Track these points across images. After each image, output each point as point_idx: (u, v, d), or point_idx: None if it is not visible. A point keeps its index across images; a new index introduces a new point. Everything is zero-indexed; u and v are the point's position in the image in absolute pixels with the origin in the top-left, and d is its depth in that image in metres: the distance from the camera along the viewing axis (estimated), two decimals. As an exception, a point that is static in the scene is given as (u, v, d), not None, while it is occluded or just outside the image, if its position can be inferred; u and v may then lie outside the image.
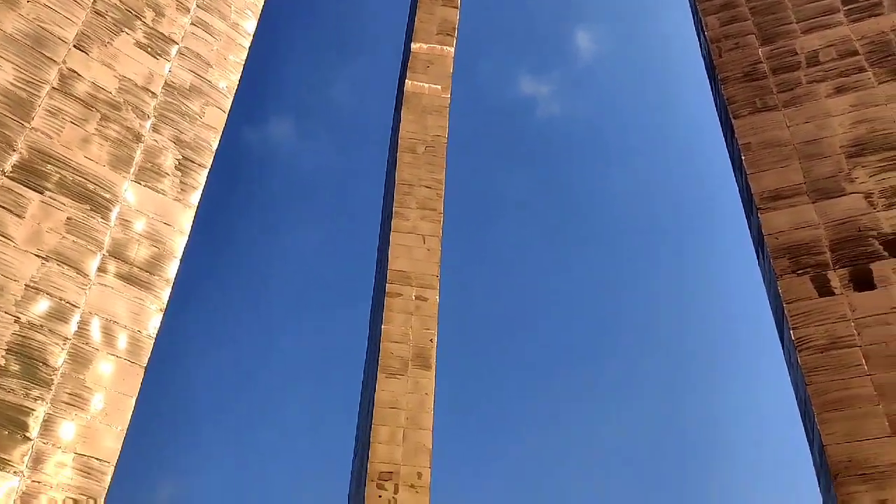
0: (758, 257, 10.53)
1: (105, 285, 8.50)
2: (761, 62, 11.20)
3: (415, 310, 17.90)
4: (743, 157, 10.41)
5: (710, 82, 12.24)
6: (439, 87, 22.14)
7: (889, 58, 10.46)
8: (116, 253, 8.73)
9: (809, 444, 8.93)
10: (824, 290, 9.02)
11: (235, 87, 11.01)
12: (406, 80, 22.19)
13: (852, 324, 8.68)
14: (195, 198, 9.71)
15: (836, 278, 9.05)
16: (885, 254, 8.96)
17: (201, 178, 9.92)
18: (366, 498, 15.34)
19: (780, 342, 9.96)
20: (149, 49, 10.30)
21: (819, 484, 8.64)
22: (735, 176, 11.24)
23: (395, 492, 15.32)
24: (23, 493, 7.19)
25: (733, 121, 10.81)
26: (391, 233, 19.19)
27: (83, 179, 8.87)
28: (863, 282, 8.91)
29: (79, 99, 9.31)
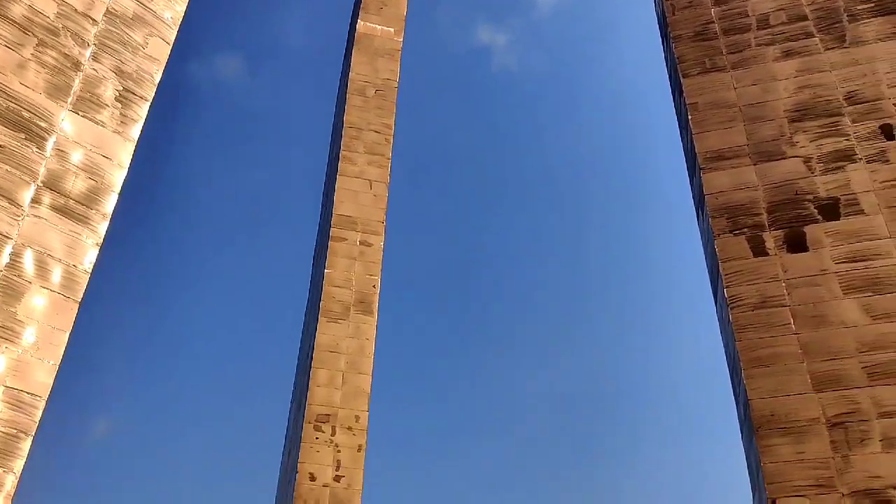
0: (697, 216, 10.75)
1: (39, 217, 8.26)
2: (713, 22, 11.28)
3: (359, 255, 17.87)
4: (689, 117, 10.54)
5: (663, 40, 12.30)
6: (392, 29, 21.77)
7: (836, 25, 10.64)
8: (52, 184, 8.47)
9: (735, 398, 9.26)
10: (759, 250, 9.27)
11: (181, 19, 10.65)
12: (358, 21, 21.76)
13: (783, 284, 8.96)
14: (135, 131, 9.44)
15: (770, 239, 9.29)
16: (820, 218, 9.23)
17: (142, 110, 9.63)
18: (302, 439, 15.45)
19: (713, 299, 10.25)
20: (89, -27, 9.86)
21: (742, 435, 9.00)
22: (681, 135, 11.40)
23: (333, 433, 15.47)
24: (-50, 425, 7.04)
25: (682, 80, 10.91)
26: (337, 177, 19.00)
27: (17, 106, 8.54)
28: (796, 244, 9.17)
29: (14, 22, 8.90)
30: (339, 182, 18.88)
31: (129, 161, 9.24)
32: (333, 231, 18.21)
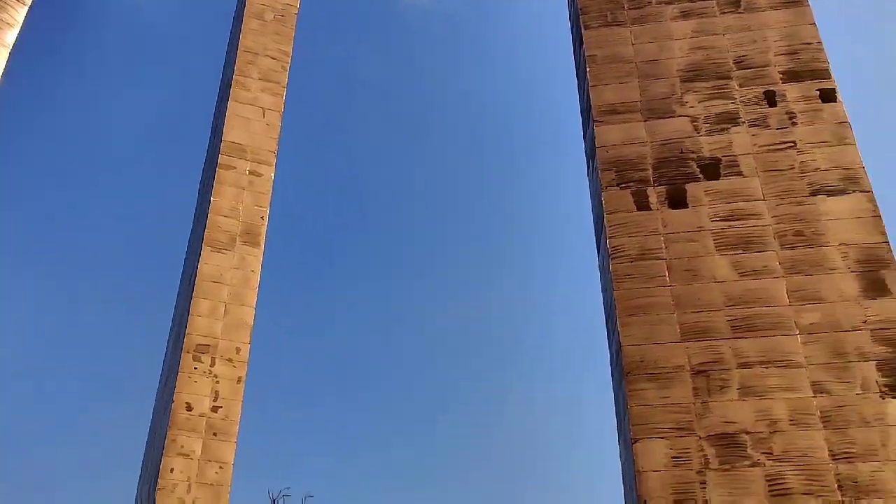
0: (587, 168, 10.98)
1: None
2: (617, -24, 11.37)
3: (247, 185, 17.39)
4: (588, 69, 10.67)
5: (567, -10, 12.33)
6: (295, -47, 20.91)
7: (732, -9, 10.91)
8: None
9: (609, 343, 9.64)
10: (642, 204, 9.57)
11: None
12: (259, -59, 20.77)
13: (662, 238, 9.31)
14: (11, 36, 8.78)
15: (654, 195, 9.61)
16: (701, 176, 9.59)
17: (19, 15, 8.94)
18: (180, 368, 15.12)
19: (595, 249, 10.56)
20: None
21: (612, 379, 9.40)
22: (578, 86, 11.55)
23: (212, 364, 15.21)
24: None
25: (583, 31, 11.00)
26: (229, 102, 18.31)
27: None
28: (677, 201, 9.52)
29: None
30: (231, 108, 18.21)
31: (2, 68, 8.61)
32: (222, 158, 17.61)
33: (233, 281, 16.17)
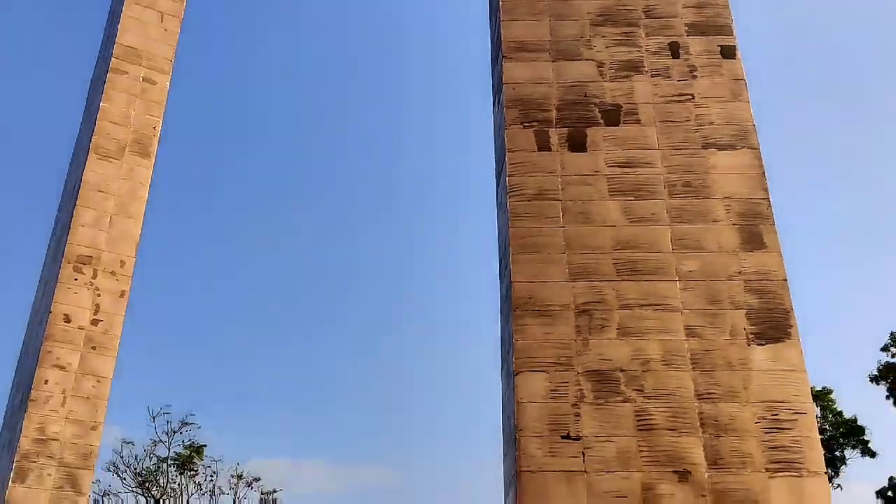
0: (493, 105, 10.98)
1: None
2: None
3: (140, 92, 16.56)
4: (500, 3, 10.57)
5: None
6: None
7: (648, -61, 10.96)
8: None
9: (500, 279, 9.82)
10: (543, 145, 9.68)
11: None
12: None
13: (559, 179, 9.46)
14: None
15: (555, 136, 9.72)
16: (601, 122, 9.75)
17: None
18: (60, 279, 14.51)
19: (495, 186, 10.65)
20: None
21: (501, 313, 9.61)
22: (490, 19, 11.44)
23: (94, 276, 14.65)
24: None
25: (499, -36, 10.84)
26: (124, 2, 17.25)
27: None
28: (577, 144, 9.66)
29: None
30: (126, 9, 17.18)
31: None
32: (114, 62, 16.67)
33: (120, 192, 15.52)
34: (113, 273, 14.76)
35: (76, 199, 15.21)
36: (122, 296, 14.72)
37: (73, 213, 15.06)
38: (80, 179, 15.43)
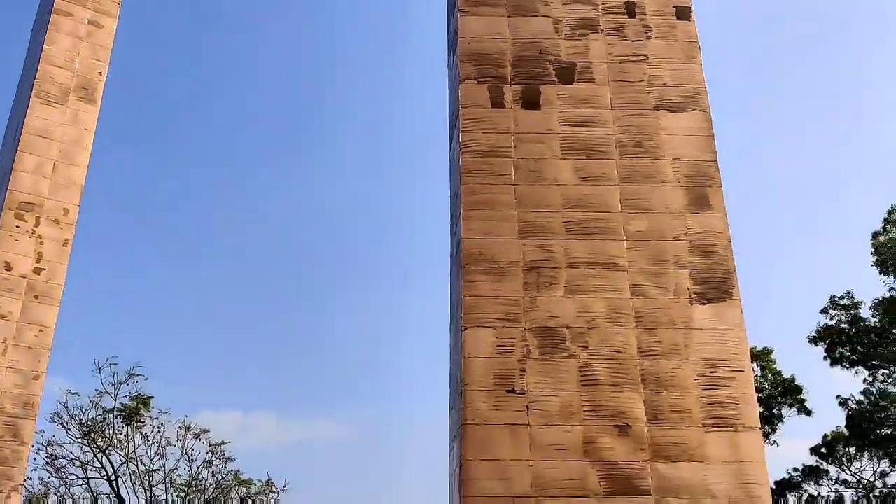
0: (448, 59, 10.88)
1: None
2: None
3: (86, 35, 16.03)
4: (458, -45, 10.41)
5: None
6: None
7: None
8: None
9: (451, 236, 9.84)
10: (497, 101, 9.64)
11: None
12: None
13: (512, 137, 9.46)
14: None
15: (510, 93, 9.68)
16: (556, 79, 9.73)
17: None
18: (1, 227, 14.13)
19: (448, 141, 10.61)
20: None
21: (450, 270, 9.65)
22: (446, -28, 11.27)
23: (37, 224, 14.30)
24: None
25: (458, -85, 10.66)
26: (70, -60, 16.57)
27: None
28: (530, 101, 9.65)
29: None
30: (72, -53, 16.50)
31: None
32: (58, 3, 16.08)
33: (63, 138, 15.09)
34: (56, 221, 14.42)
35: (18, 144, 14.75)
36: (65, 244, 14.41)
37: (14, 159, 14.63)
38: (23, 125, 14.96)
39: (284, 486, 27.51)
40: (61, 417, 26.70)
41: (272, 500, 27.18)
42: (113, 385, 26.86)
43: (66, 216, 14.51)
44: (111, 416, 26.99)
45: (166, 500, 27.08)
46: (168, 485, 27.17)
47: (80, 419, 26.76)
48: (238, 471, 27.50)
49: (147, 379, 27.66)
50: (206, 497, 27.23)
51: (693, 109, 9.61)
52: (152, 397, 27.46)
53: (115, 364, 27.05)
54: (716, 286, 8.72)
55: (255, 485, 27.43)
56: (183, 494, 27.11)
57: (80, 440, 26.79)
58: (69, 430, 26.77)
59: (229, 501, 27.18)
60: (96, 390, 27.03)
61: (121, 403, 27.07)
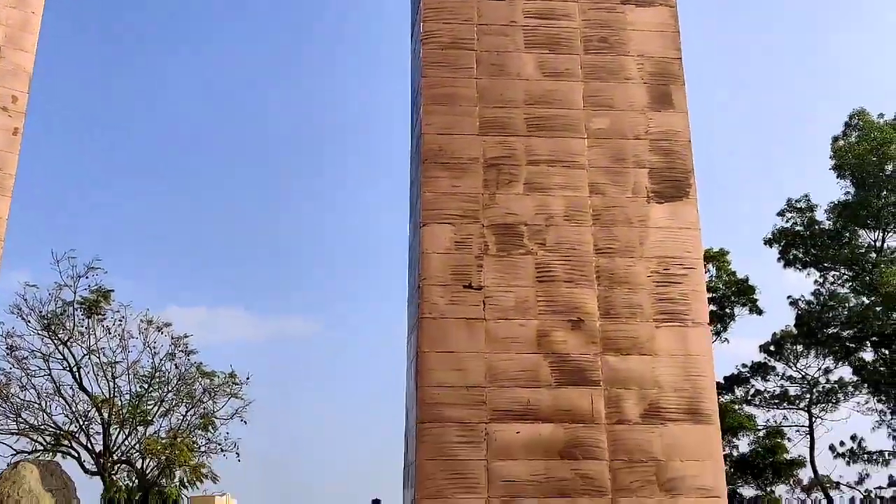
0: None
1: None
2: None
3: None
4: None
5: None
6: None
7: None
8: None
9: (411, 131, 9.71)
10: (461, -9, 9.33)
11: None
12: None
13: (475, 28, 9.22)
14: None
15: (474, -18, 9.37)
16: (521, -30, 9.42)
17: None
18: (-55, 114, 13.57)
19: (410, 34, 10.33)
20: None
21: (410, 166, 9.57)
22: None
23: (-17, 112, 13.75)
24: None
25: None
26: None
27: None
28: (495, -8, 9.35)
29: None
30: None
31: None
32: None
33: (9, 21, 14.37)
34: (5, 109, 13.90)
35: (-41, 26, 14.02)
36: (15, 133, 13.93)
37: (-44, 41, 13.92)
38: (-37, 5, 14.18)
39: (248, 378, 27.92)
40: (20, 310, 26.55)
41: (235, 391, 27.62)
42: (72, 278, 26.65)
43: (14, 104, 13.98)
44: (71, 308, 26.89)
45: (130, 390, 27.39)
46: (131, 376, 27.40)
47: (40, 311, 26.64)
48: (201, 363, 27.79)
49: (107, 272, 27.46)
50: (168, 388, 27.59)
51: (660, 4, 9.42)
52: (112, 290, 27.34)
53: (74, 258, 26.77)
54: (673, 185, 8.77)
55: (218, 377, 27.77)
56: (146, 385, 27.41)
57: (40, 332, 26.75)
58: (29, 322, 26.67)
59: (192, 392, 27.57)
60: (55, 283, 26.81)
61: (80, 296, 26.94)
